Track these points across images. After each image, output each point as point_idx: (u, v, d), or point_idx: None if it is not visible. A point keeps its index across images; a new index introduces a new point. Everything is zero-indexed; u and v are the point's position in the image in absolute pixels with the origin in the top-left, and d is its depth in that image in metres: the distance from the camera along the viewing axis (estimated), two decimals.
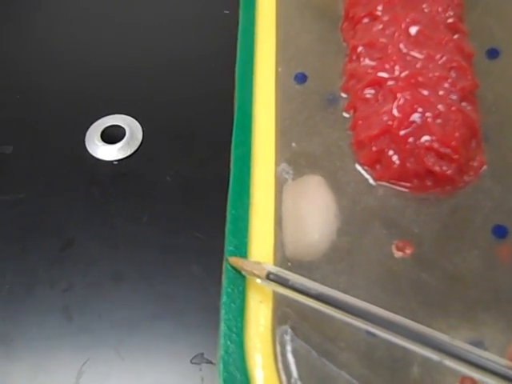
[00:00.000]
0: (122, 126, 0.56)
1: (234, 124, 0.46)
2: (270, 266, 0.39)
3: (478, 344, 0.37)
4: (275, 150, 0.45)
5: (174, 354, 0.45)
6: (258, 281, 0.39)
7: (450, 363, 0.32)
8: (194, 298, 0.47)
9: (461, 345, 0.32)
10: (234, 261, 0.40)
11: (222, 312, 0.39)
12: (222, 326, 0.38)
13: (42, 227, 0.51)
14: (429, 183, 0.43)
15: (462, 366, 0.31)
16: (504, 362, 0.31)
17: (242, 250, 0.41)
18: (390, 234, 0.42)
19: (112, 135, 0.55)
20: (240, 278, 0.40)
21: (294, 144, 0.45)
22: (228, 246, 0.41)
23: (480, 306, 0.40)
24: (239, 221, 0.42)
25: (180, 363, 0.45)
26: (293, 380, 0.37)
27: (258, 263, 0.39)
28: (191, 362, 0.44)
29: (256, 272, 0.38)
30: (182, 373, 0.44)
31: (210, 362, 0.44)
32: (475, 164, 0.44)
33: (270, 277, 0.38)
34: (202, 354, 0.45)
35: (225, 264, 0.41)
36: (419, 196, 0.43)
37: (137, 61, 0.62)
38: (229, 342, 0.37)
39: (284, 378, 0.37)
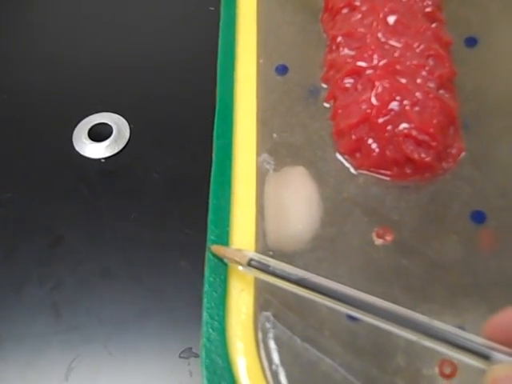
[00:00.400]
0: (109, 123, 0.56)
1: (216, 115, 0.46)
2: (252, 253, 0.39)
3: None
4: (256, 140, 0.45)
5: (163, 349, 0.45)
6: (240, 268, 0.39)
7: (428, 343, 0.32)
8: (182, 294, 0.47)
9: (439, 325, 0.32)
10: (216, 249, 0.41)
11: (204, 300, 0.39)
12: (204, 315, 0.39)
13: (30, 225, 0.51)
14: (408, 171, 0.43)
15: (441, 345, 0.32)
16: (481, 340, 0.31)
17: (224, 240, 0.41)
18: (370, 222, 0.42)
19: (99, 133, 0.55)
20: (222, 267, 0.40)
21: (275, 135, 0.46)
22: (210, 236, 0.41)
23: (460, 291, 0.40)
24: (221, 211, 0.42)
25: (169, 358, 0.45)
26: (274, 366, 0.37)
27: (240, 250, 0.40)
28: (180, 356, 0.44)
29: (237, 259, 0.39)
30: (171, 367, 0.44)
31: (199, 356, 0.44)
32: (454, 151, 0.44)
33: (251, 263, 0.38)
34: (191, 349, 0.45)
35: (207, 253, 0.41)
36: (399, 183, 0.44)
37: (123, 59, 0.62)
38: (211, 330, 0.38)
39: (266, 364, 0.37)
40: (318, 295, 0.36)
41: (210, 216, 0.42)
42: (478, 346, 0.30)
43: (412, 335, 0.33)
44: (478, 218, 0.42)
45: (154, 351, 0.45)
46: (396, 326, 0.33)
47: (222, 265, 0.40)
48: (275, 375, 0.37)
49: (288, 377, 0.37)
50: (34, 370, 0.44)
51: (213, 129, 0.48)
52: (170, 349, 0.45)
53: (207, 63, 0.58)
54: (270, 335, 0.38)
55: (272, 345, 0.38)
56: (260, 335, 0.38)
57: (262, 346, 0.38)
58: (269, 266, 0.38)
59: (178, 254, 0.48)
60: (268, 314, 0.39)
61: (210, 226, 0.42)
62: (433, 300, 0.40)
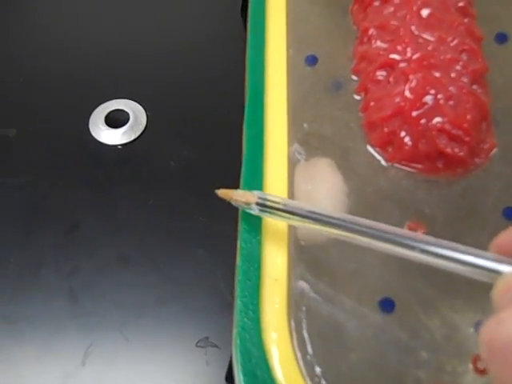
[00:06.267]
0: (126, 110, 0.56)
1: (246, 104, 0.46)
2: (260, 192, 0.40)
3: None
4: (287, 130, 0.45)
5: (179, 337, 0.45)
6: (251, 211, 0.40)
7: (437, 261, 0.32)
8: (199, 282, 0.47)
9: (447, 244, 0.32)
10: (224, 193, 0.41)
11: (238, 289, 0.39)
12: (238, 303, 0.38)
13: (46, 210, 0.51)
14: (440, 165, 0.43)
15: (450, 263, 0.32)
16: (490, 255, 0.31)
17: (257, 229, 0.41)
18: (401, 215, 0.42)
19: (116, 119, 0.55)
20: (255, 256, 0.40)
21: (305, 125, 0.46)
22: (242, 225, 0.41)
23: (487, 288, 0.40)
24: None
25: (185, 346, 0.45)
26: (308, 357, 0.37)
27: (248, 191, 0.40)
28: (196, 345, 0.45)
29: (245, 200, 0.39)
30: (187, 356, 0.45)
31: (216, 346, 0.44)
32: (486, 146, 0.44)
33: (259, 202, 0.39)
34: (207, 338, 0.45)
35: (239, 242, 0.41)
36: (430, 178, 0.44)
37: (141, 45, 0.62)
38: (245, 319, 0.38)
39: (299, 354, 0.37)
40: (329, 227, 0.36)
41: None
42: (488, 261, 0.30)
43: (421, 255, 0.33)
44: (511, 214, 0.42)
45: (170, 339, 0.45)
46: (407, 248, 0.33)
47: (256, 253, 0.40)
48: (308, 365, 0.37)
49: (320, 367, 0.37)
50: (51, 355, 0.45)
51: (231, 117, 0.48)
52: (186, 337, 0.45)
53: (225, 51, 0.58)
54: (303, 325, 0.38)
55: (305, 335, 0.38)
56: (293, 325, 0.38)
57: (294, 335, 0.38)
58: (278, 202, 0.38)
59: (194, 242, 0.49)
60: (301, 303, 0.39)
61: (243, 215, 0.41)
62: (459, 296, 0.40)
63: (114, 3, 0.65)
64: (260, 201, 0.39)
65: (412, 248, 0.33)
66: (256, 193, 0.39)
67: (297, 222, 0.38)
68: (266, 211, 0.39)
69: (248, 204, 0.39)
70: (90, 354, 0.44)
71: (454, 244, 0.32)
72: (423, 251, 0.32)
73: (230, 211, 0.42)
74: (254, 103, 0.46)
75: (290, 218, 0.38)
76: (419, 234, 0.34)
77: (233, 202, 0.40)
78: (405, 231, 0.34)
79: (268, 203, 0.39)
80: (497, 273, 0.30)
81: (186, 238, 0.49)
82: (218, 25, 0.63)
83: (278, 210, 0.38)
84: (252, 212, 0.40)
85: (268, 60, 0.48)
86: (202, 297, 0.47)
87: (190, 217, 0.50)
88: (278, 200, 0.39)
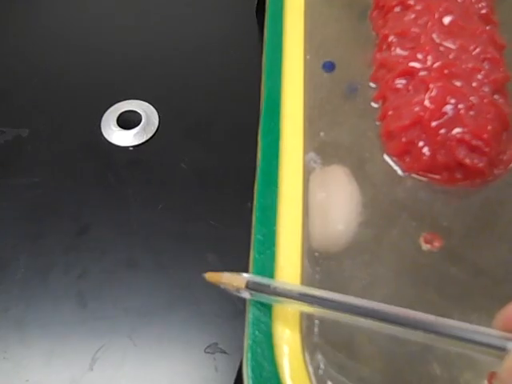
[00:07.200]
0: (138, 111, 0.55)
1: (263, 112, 0.45)
2: (248, 275, 0.37)
3: None
4: (303, 138, 0.44)
5: (188, 342, 0.45)
6: (241, 296, 0.38)
7: (440, 343, 0.32)
8: (209, 287, 0.46)
9: (448, 322, 0.31)
10: (211, 276, 0.38)
11: (250, 302, 0.38)
12: (250, 316, 0.37)
13: (56, 212, 0.51)
14: (458, 176, 0.43)
15: (453, 343, 0.31)
16: (495, 332, 0.30)
17: (271, 239, 0.40)
18: (418, 226, 0.41)
19: (128, 121, 0.55)
20: (269, 269, 0.39)
21: (322, 133, 0.45)
22: (256, 235, 0.40)
23: (501, 299, 0.39)
24: (267, 209, 0.41)
25: (194, 352, 0.45)
26: (320, 371, 0.36)
27: (237, 274, 0.38)
28: (205, 351, 0.44)
29: (235, 284, 0.37)
30: (196, 362, 0.44)
31: (225, 352, 0.44)
32: (505, 158, 0.43)
33: (249, 286, 0.37)
34: (216, 344, 0.44)
35: (253, 254, 0.40)
36: (448, 188, 0.43)
37: (154, 47, 0.61)
38: (257, 332, 0.37)
39: (311, 368, 0.36)
40: (322, 309, 0.35)
41: (257, 214, 0.41)
42: (493, 339, 0.29)
43: (422, 336, 0.32)
44: None
45: (178, 344, 0.45)
46: (404, 328, 0.32)
47: (269, 266, 0.39)
48: (320, 380, 0.36)
49: (333, 381, 0.36)
50: (59, 358, 0.45)
51: (243, 120, 0.48)
52: (195, 343, 0.45)
53: (239, 52, 0.58)
54: (316, 339, 0.37)
55: (317, 348, 0.37)
56: (305, 338, 0.37)
57: (306, 349, 0.37)
58: (268, 285, 0.37)
59: (205, 246, 0.48)
60: (313, 316, 0.38)
61: (257, 225, 0.41)
62: (473, 309, 0.39)
63: (127, 5, 0.65)
64: (250, 285, 0.37)
65: (413, 328, 0.32)
66: (245, 276, 0.37)
67: (289, 305, 0.37)
68: (257, 294, 0.37)
69: (238, 289, 0.37)
70: (98, 359, 0.44)
71: (458, 323, 0.31)
72: (425, 331, 0.31)
73: (241, 215, 0.41)
74: (270, 110, 0.45)
75: (281, 301, 0.37)
76: (418, 314, 0.32)
77: (222, 287, 0.38)
78: (403, 310, 0.32)
79: (258, 287, 0.37)
80: (503, 350, 0.29)
81: (197, 241, 0.49)
82: (231, 26, 0.62)
83: (268, 293, 0.37)
84: (243, 296, 0.38)
85: (285, 66, 0.47)
86: (211, 302, 0.46)
87: (200, 220, 0.50)
88: (267, 283, 0.37)
